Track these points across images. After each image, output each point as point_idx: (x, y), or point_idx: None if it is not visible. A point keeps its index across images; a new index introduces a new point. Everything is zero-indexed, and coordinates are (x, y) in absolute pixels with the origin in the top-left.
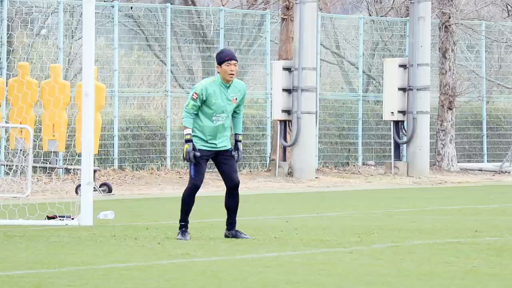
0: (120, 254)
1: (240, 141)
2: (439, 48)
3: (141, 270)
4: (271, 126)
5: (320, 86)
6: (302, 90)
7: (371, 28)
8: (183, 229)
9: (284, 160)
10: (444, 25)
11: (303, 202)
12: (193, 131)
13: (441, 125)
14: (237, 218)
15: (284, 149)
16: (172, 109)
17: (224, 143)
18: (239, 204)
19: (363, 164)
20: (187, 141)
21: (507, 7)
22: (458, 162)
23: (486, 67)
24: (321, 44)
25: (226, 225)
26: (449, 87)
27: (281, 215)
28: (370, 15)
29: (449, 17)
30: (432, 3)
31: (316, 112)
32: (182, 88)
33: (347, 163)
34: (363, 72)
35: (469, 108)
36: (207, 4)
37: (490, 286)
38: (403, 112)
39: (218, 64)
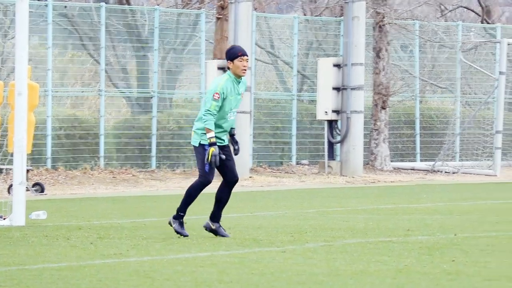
0: (52, 254)
1: (234, 135)
2: (373, 48)
3: (73, 270)
4: None
5: (254, 85)
6: None
7: (306, 28)
8: (181, 220)
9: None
10: (378, 25)
11: (236, 202)
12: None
13: (374, 124)
14: (165, 218)
15: None
16: (106, 109)
17: (226, 138)
18: (174, 204)
19: (297, 163)
20: (212, 144)
21: (440, 7)
22: (391, 161)
23: (420, 66)
24: (256, 44)
25: (210, 217)
26: (383, 86)
27: None
28: (304, 15)
29: (383, 17)
30: (366, 3)
31: (251, 111)
32: (116, 87)
33: (281, 163)
34: (298, 71)
35: (402, 107)
36: (142, 4)
37: (422, 284)
38: (337, 112)
39: (230, 60)
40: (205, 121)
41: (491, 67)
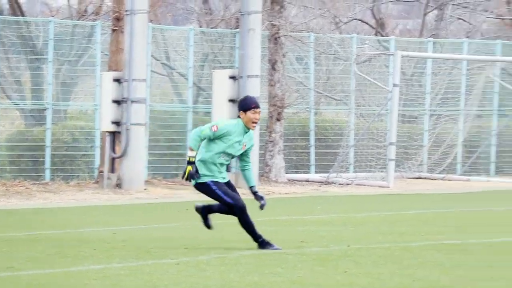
0: None
1: (257, 192)
2: (268, 60)
3: None
4: (100, 138)
5: (150, 97)
6: (132, 101)
7: (202, 40)
8: (265, 241)
9: (113, 171)
10: (273, 37)
11: (131, 214)
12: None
13: (269, 136)
14: (58, 231)
15: (113, 160)
16: None
17: (225, 176)
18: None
19: None
20: (191, 163)
21: (335, 19)
22: (286, 173)
23: (315, 78)
24: (151, 56)
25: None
26: (278, 98)
27: (109, 227)
28: (200, 27)
29: (279, 29)
30: (262, 15)
31: (146, 123)
32: (9, 99)
33: (176, 175)
34: (193, 83)
35: (297, 119)
36: (36, 15)
37: None
38: None
39: (242, 110)
40: (190, 139)
41: (385, 79)
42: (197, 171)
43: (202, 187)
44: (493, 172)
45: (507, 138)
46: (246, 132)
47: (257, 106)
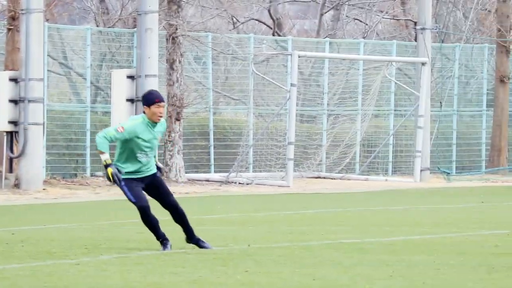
0: None
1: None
2: (166, 59)
3: None
4: None
5: (47, 97)
6: (29, 101)
7: (99, 39)
8: (164, 241)
9: (11, 171)
10: (171, 37)
11: (30, 214)
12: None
13: (169, 136)
14: None
15: (11, 160)
16: None
17: (151, 168)
18: None
19: (92, 175)
20: (108, 165)
21: (232, 19)
22: (186, 173)
23: (213, 78)
24: (48, 55)
25: (185, 234)
26: (177, 98)
27: (7, 227)
28: (97, 26)
29: (176, 29)
30: (159, 15)
31: (44, 123)
32: None
33: (76, 175)
34: (91, 83)
35: (196, 119)
36: None
37: None
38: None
39: (146, 105)
40: (98, 143)
41: (283, 79)
42: (119, 170)
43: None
44: (390, 172)
45: (403, 137)
46: (154, 126)
47: (160, 100)
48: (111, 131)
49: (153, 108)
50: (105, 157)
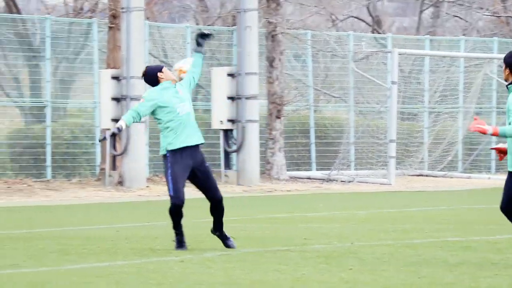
0: None
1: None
2: (266, 57)
3: None
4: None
5: None
6: (131, 98)
7: None
8: (178, 238)
9: (114, 169)
10: (270, 34)
11: (133, 211)
12: None
13: (270, 133)
14: (61, 228)
15: (114, 158)
16: None
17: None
18: (70, 215)
19: None
20: (115, 129)
21: (331, 17)
22: (287, 171)
23: (313, 76)
24: (149, 53)
25: (213, 225)
26: (277, 96)
27: (112, 225)
28: (197, 24)
29: (276, 27)
30: (258, 13)
31: (146, 120)
32: (8, 96)
33: None
34: None
35: (297, 116)
36: (32, 12)
37: None
38: (232, 121)
39: (159, 71)
40: (125, 115)
41: (383, 76)
42: (117, 130)
43: (164, 160)
44: (494, 170)
45: None
46: (174, 87)
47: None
48: (136, 106)
49: (166, 71)
50: (120, 123)
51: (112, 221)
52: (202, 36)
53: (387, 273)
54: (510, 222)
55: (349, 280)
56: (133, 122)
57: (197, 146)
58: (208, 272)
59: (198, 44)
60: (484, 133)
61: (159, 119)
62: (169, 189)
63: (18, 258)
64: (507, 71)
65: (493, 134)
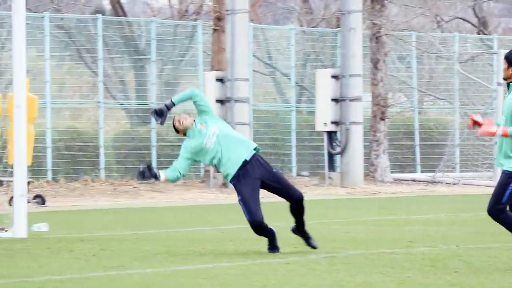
0: (55, 267)
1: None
2: (370, 59)
3: (76, 283)
4: None
5: (253, 96)
6: (235, 101)
7: (303, 39)
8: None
9: (218, 171)
10: (375, 36)
11: (238, 213)
12: None
13: (374, 135)
14: (166, 230)
15: None
16: (105, 120)
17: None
18: (175, 216)
19: (297, 175)
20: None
21: (436, 18)
22: (391, 173)
23: (417, 77)
24: (253, 55)
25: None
26: (381, 97)
27: (216, 226)
28: (301, 26)
29: (380, 28)
30: (363, 14)
31: (250, 123)
32: (114, 99)
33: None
34: (296, 83)
35: (401, 118)
36: (138, 15)
37: None
38: (336, 123)
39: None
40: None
41: (488, 78)
42: (149, 173)
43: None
44: None
45: None
46: (195, 127)
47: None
48: (179, 158)
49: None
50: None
51: (216, 223)
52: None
53: (493, 276)
54: None
55: (455, 283)
56: (177, 179)
57: (252, 157)
58: (313, 274)
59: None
60: (492, 135)
61: (204, 162)
62: (245, 214)
63: (124, 259)
64: (509, 68)
65: (503, 135)
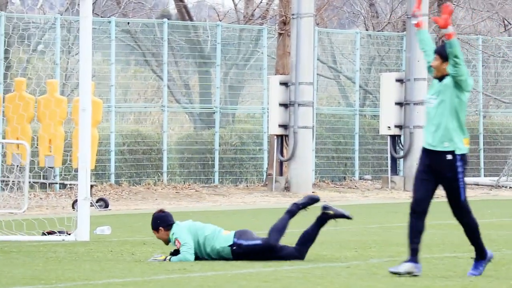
0: (117, 270)
1: None
2: None
3: (138, 285)
4: (268, 141)
5: (316, 100)
6: (299, 104)
7: (368, 43)
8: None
9: (281, 174)
10: (441, 40)
11: (300, 217)
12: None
13: None
14: None
15: (281, 163)
16: (168, 124)
17: None
18: (237, 219)
19: (360, 178)
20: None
21: (503, 21)
22: None
23: (483, 81)
24: (318, 59)
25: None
26: None
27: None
28: (366, 30)
29: None
30: (429, 18)
31: (313, 126)
32: (178, 103)
33: (344, 178)
34: (360, 86)
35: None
36: (204, 19)
37: None
38: (399, 127)
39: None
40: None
41: None
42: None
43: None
44: None
45: None
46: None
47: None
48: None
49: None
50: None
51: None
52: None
53: None
54: None
55: None
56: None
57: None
58: (375, 278)
59: None
60: (444, 27)
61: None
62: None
63: (186, 262)
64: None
65: (448, 36)
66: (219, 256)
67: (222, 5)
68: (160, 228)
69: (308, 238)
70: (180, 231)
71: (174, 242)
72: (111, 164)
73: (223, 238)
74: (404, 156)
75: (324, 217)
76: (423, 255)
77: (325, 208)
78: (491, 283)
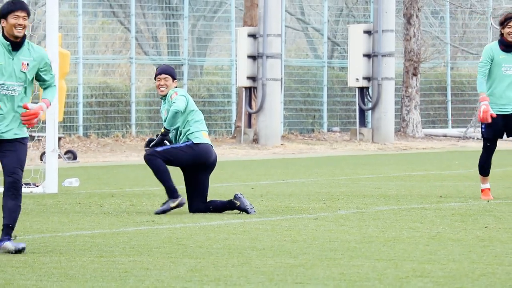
0: (85, 222)
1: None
2: (403, 14)
3: (106, 237)
4: (236, 93)
5: (285, 52)
6: (267, 56)
7: None
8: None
9: (249, 127)
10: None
11: (268, 169)
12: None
13: (406, 91)
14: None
15: (249, 115)
16: (137, 76)
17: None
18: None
19: (328, 130)
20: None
21: None
22: (422, 128)
23: (451, 33)
24: (286, 11)
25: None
26: (414, 53)
27: (247, 182)
28: None
29: None
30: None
31: (281, 78)
32: (146, 55)
33: (313, 130)
34: (328, 38)
35: (433, 74)
36: None
37: (455, 251)
38: (368, 79)
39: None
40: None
41: None
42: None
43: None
44: None
45: None
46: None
47: (160, 73)
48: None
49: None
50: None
51: (246, 179)
52: (151, 144)
53: None
54: None
55: (485, 238)
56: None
57: None
58: (342, 229)
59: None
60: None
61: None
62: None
63: (155, 215)
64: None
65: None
66: (175, 133)
67: None
68: (176, 80)
69: (213, 205)
70: (183, 93)
71: (171, 95)
72: (79, 116)
73: (195, 136)
74: (372, 108)
75: (232, 205)
76: (390, 206)
77: (236, 197)
78: (457, 233)
